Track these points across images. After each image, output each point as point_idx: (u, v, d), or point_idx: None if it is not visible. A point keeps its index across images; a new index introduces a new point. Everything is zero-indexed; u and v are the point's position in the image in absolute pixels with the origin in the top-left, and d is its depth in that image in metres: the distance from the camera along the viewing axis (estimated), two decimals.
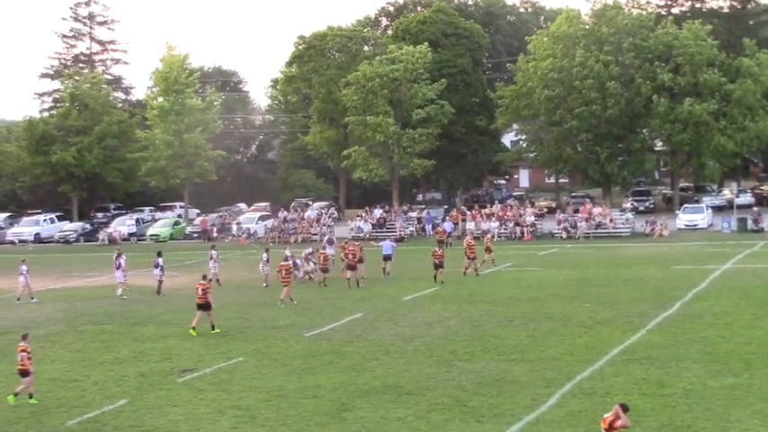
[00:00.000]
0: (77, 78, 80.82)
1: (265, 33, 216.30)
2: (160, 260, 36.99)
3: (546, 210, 65.53)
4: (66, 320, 31.00)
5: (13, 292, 38.72)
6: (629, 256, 45.15)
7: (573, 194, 75.44)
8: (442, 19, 76.95)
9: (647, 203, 68.87)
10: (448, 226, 56.52)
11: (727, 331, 24.78)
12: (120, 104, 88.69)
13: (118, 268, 36.58)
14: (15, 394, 20.19)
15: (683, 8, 77.91)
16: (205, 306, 27.70)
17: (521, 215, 59.56)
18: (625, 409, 13.36)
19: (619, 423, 13.13)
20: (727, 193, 67.78)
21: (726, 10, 78.74)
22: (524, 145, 74.07)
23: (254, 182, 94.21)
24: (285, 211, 66.50)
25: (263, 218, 66.92)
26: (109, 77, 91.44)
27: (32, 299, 36.39)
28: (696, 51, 63.47)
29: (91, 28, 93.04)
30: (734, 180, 72.75)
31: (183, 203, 77.81)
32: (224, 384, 21.08)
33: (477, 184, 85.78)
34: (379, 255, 40.45)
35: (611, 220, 57.99)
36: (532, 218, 59.35)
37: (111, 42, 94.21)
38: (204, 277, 28.99)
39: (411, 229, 61.88)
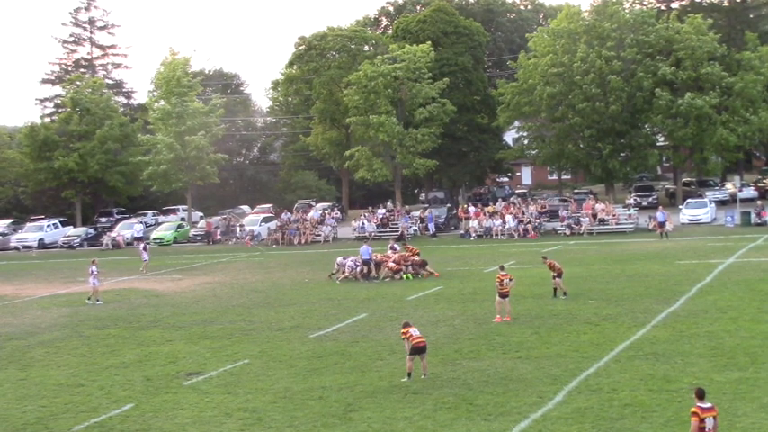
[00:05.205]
0: (78, 83, 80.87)
1: (266, 35, 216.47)
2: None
3: (549, 207, 65.38)
4: (71, 325, 31.00)
5: (18, 298, 38.86)
6: (633, 251, 45.07)
7: (576, 191, 75.37)
8: (442, 18, 76.94)
9: (650, 199, 68.87)
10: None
11: (733, 325, 24.74)
12: (122, 109, 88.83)
13: (92, 275, 36.45)
14: None
15: (684, 2, 77.91)
16: None
17: (523, 212, 59.53)
18: (701, 394, 13.54)
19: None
20: (729, 187, 67.67)
21: (726, 4, 78.74)
22: (526, 142, 74.04)
23: (256, 184, 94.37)
24: (288, 213, 66.55)
25: (266, 220, 66.98)
26: (110, 82, 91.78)
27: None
28: (697, 45, 63.41)
29: (91, 33, 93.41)
30: (736, 174, 72.70)
31: (185, 207, 77.93)
32: (230, 387, 21.08)
33: (479, 182, 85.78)
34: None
35: (614, 216, 57.94)
36: (536, 216, 59.29)
37: (112, 47, 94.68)
38: None
39: (414, 228, 61.88)
